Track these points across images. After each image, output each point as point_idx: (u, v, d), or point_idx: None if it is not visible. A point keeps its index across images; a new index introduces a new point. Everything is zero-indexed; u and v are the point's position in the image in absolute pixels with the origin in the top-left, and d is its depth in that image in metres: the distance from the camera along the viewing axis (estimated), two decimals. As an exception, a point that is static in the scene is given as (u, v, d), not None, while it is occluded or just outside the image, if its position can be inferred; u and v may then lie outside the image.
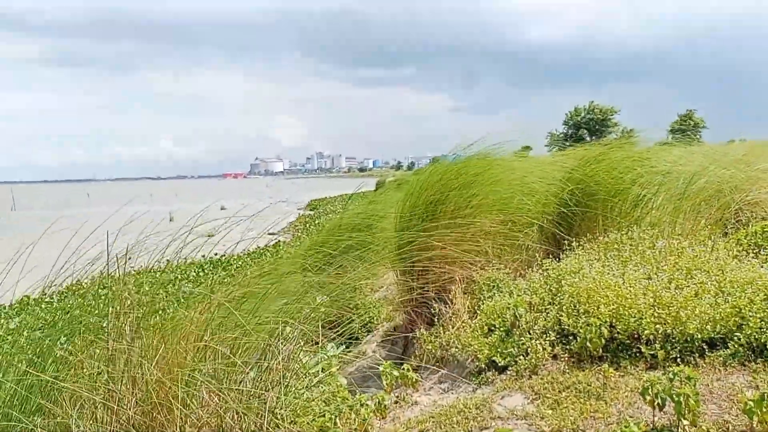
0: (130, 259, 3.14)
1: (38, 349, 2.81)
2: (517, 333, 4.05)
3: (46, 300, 12.39)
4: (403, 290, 5.62)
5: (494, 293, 4.78)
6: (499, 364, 3.95)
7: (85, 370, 2.64)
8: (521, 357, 3.87)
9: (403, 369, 4.03)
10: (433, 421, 3.38)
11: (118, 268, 3.04)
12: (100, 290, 3.21)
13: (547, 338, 3.90)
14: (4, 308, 11.67)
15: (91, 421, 2.46)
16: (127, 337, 2.73)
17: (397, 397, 3.97)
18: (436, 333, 4.71)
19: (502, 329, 4.16)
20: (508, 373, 3.87)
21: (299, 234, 20.20)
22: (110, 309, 2.87)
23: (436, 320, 4.90)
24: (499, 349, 4.02)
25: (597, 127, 50.42)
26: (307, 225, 24.18)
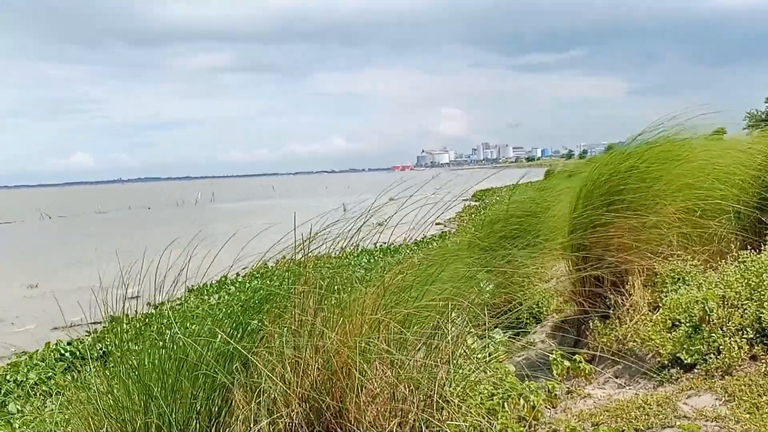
0: (309, 246, 3.40)
1: (235, 323, 3.17)
2: (707, 329, 3.68)
3: (239, 280, 13.91)
4: (574, 280, 5.39)
5: (679, 286, 4.40)
6: (685, 362, 3.63)
7: (275, 339, 2.93)
8: (712, 355, 3.51)
9: (575, 360, 3.87)
10: (608, 415, 3.21)
11: (304, 252, 3.32)
12: (283, 272, 3.53)
13: (744, 336, 3.49)
14: (207, 287, 13.35)
15: (280, 383, 2.73)
16: (310, 310, 2.99)
17: (569, 388, 3.83)
18: (612, 325, 4.46)
19: (688, 324, 3.81)
20: (696, 371, 3.54)
21: (465, 224, 20.26)
22: (295, 288, 3.16)
23: (611, 312, 4.63)
24: (684, 346, 3.69)
25: (813, 102, 43.35)
26: (473, 215, 24.15)
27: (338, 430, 2.72)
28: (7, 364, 9.35)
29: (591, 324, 4.64)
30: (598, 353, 4.30)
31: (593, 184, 5.18)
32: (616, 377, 3.98)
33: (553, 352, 3.97)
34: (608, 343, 4.32)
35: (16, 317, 15.56)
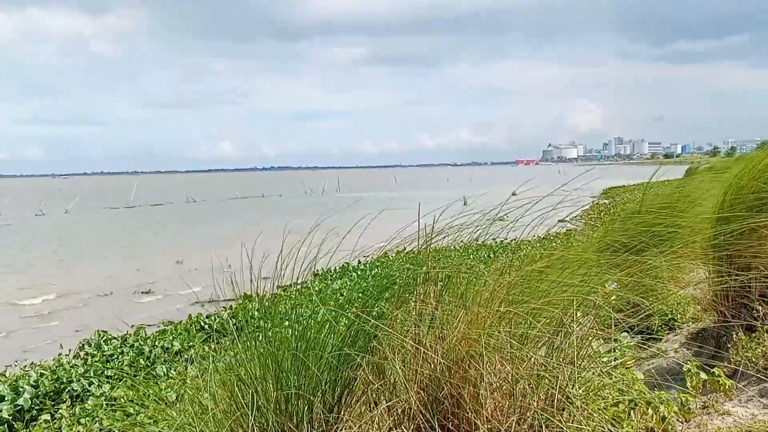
0: (430, 237, 3.43)
1: (362, 305, 3.28)
2: None
3: (361, 267, 14.35)
4: (716, 288, 4.97)
5: None
6: None
7: (398, 323, 3.02)
8: None
9: (714, 373, 3.58)
10: (751, 436, 2.95)
11: (426, 243, 3.37)
12: (405, 262, 3.60)
13: None
14: (330, 272, 13.95)
15: (401, 364, 2.82)
16: (431, 300, 3.03)
17: (704, 402, 3.56)
18: (759, 339, 4.06)
19: None
20: None
21: (591, 222, 19.34)
22: (416, 278, 3.21)
23: (758, 325, 4.22)
24: None
25: None
26: (601, 213, 22.98)
27: (455, 419, 2.74)
28: (156, 332, 10.44)
29: (734, 336, 4.25)
30: (740, 368, 3.94)
31: (743, 182, 4.73)
32: (762, 396, 3.63)
33: (688, 362, 3.71)
34: (754, 359, 3.94)
35: (165, 290, 17.26)
